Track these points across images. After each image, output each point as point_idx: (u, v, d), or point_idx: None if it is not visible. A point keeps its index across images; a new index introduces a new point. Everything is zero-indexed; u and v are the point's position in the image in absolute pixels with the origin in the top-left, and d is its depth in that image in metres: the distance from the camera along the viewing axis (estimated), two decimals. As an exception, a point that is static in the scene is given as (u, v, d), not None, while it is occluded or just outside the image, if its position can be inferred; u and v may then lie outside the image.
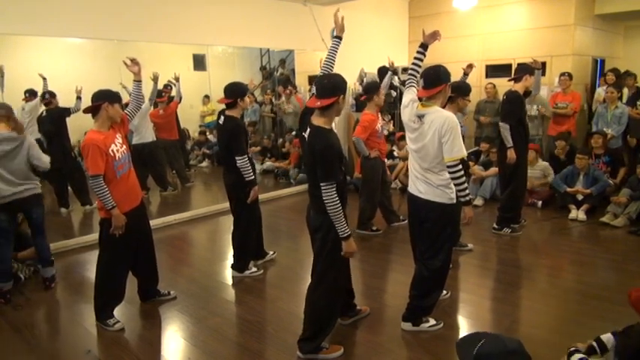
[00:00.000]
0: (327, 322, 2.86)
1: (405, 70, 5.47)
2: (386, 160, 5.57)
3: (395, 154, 7.25)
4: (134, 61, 3.45)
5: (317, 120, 2.64)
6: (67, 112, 5.83)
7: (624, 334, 1.93)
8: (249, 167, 3.90)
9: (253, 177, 3.95)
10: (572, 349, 2.38)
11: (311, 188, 2.77)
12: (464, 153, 2.80)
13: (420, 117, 2.88)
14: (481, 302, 3.66)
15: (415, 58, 3.20)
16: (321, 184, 2.54)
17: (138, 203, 3.39)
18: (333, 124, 2.98)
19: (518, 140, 4.77)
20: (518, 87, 4.74)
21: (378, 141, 4.99)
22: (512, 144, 4.74)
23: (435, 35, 3.17)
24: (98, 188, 3.08)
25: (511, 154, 4.76)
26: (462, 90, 3.93)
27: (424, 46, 3.18)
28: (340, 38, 3.15)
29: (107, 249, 3.32)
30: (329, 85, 2.57)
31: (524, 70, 4.75)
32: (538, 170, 6.10)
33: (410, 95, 3.04)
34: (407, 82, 3.18)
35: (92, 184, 3.09)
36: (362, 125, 4.91)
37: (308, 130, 2.67)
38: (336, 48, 3.14)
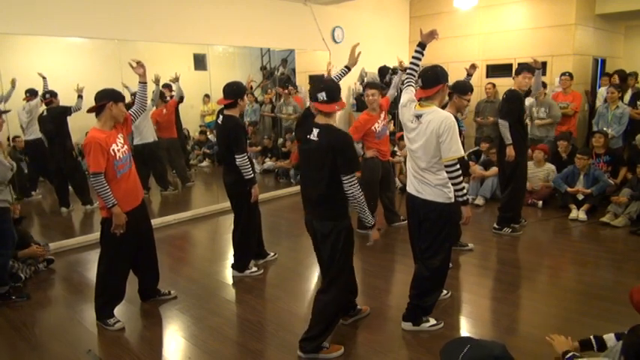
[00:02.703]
0: (332, 322, 2.89)
1: (404, 70, 5.50)
2: (391, 158, 5.57)
3: (397, 153, 7.25)
4: (139, 64, 3.45)
5: (323, 120, 2.71)
6: (67, 111, 5.83)
7: (632, 333, 1.91)
8: (249, 166, 3.90)
9: (253, 175, 3.95)
10: (569, 355, 2.37)
11: (316, 193, 2.75)
12: (461, 153, 2.81)
13: (418, 117, 2.88)
14: (481, 302, 3.66)
15: (413, 57, 3.21)
16: (345, 178, 2.64)
17: (139, 203, 3.39)
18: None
19: (517, 139, 4.76)
20: (516, 84, 4.75)
21: (377, 141, 4.96)
22: (512, 142, 4.74)
23: (432, 34, 3.18)
24: (99, 186, 3.08)
25: (510, 151, 4.76)
26: (458, 88, 3.88)
27: (422, 46, 3.19)
28: (349, 69, 3.51)
29: (108, 248, 3.32)
30: (335, 90, 2.72)
31: (523, 68, 4.77)
32: (544, 171, 6.09)
33: (408, 95, 3.05)
34: (405, 82, 3.19)
35: (93, 182, 3.09)
36: (354, 125, 4.92)
37: (315, 130, 2.69)
38: (342, 76, 3.49)
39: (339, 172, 2.64)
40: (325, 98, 2.65)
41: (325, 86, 2.70)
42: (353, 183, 2.64)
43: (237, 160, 3.83)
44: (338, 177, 2.66)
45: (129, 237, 3.26)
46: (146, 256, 3.56)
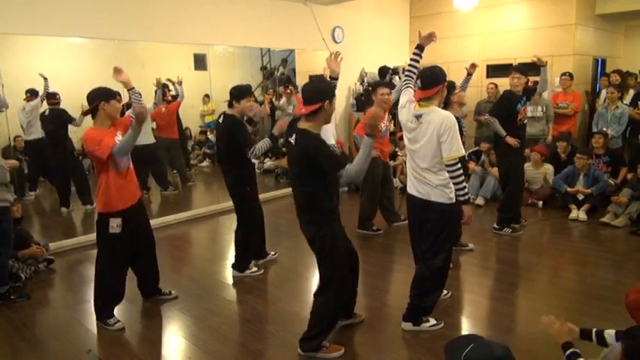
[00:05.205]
0: (331, 322, 2.89)
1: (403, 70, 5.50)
2: (390, 161, 5.56)
3: (399, 153, 7.25)
4: (116, 69, 3.39)
5: (304, 125, 2.64)
6: (69, 119, 5.84)
7: (631, 336, 1.89)
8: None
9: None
10: (570, 351, 2.34)
11: (298, 199, 2.76)
12: (462, 152, 2.82)
13: (418, 117, 2.89)
14: (481, 302, 3.66)
15: (411, 59, 3.25)
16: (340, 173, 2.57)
17: (135, 202, 3.38)
18: (333, 124, 2.98)
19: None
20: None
21: (380, 142, 4.96)
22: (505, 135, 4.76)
23: (430, 37, 3.23)
24: (126, 137, 3.05)
25: (511, 141, 4.74)
26: (449, 88, 4.02)
27: (420, 48, 3.23)
28: (336, 79, 3.09)
29: (105, 248, 3.32)
30: (313, 91, 2.59)
31: (513, 69, 4.85)
32: (542, 173, 6.08)
33: (407, 96, 3.07)
34: (404, 83, 3.22)
35: (120, 147, 3.05)
36: (363, 122, 4.89)
37: (294, 135, 2.65)
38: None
39: (330, 173, 2.57)
40: (303, 100, 2.61)
41: (303, 87, 2.64)
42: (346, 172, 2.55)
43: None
44: (310, 186, 2.62)
45: (125, 236, 3.26)
46: (146, 256, 3.56)
